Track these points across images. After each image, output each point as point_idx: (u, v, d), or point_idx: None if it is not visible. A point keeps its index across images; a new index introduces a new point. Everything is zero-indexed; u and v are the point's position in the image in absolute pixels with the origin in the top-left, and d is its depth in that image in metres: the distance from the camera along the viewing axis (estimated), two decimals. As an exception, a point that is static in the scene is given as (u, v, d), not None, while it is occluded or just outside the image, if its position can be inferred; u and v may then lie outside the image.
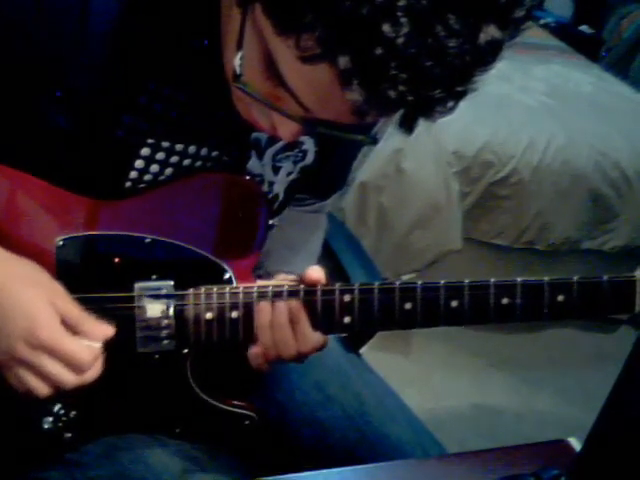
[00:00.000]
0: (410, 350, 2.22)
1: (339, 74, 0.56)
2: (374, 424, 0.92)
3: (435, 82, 0.56)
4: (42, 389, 0.70)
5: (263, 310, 0.78)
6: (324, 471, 0.80)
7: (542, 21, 4.08)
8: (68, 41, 0.69)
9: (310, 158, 0.88)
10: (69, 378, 0.70)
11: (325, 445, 0.91)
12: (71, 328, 0.71)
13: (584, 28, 4.24)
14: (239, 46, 0.63)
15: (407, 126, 0.62)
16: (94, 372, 0.72)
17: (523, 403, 2.15)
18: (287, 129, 0.68)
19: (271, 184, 0.87)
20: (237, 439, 0.85)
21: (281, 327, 0.78)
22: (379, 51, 0.54)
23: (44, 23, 0.68)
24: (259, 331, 0.78)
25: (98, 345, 0.72)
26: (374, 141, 0.74)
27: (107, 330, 0.73)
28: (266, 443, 0.90)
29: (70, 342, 0.70)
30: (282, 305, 0.77)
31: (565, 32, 3.92)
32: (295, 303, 0.77)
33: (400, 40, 0.53)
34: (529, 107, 2.40)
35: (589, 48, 3.70)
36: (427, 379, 2.14)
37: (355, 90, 0.56)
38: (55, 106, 0.72)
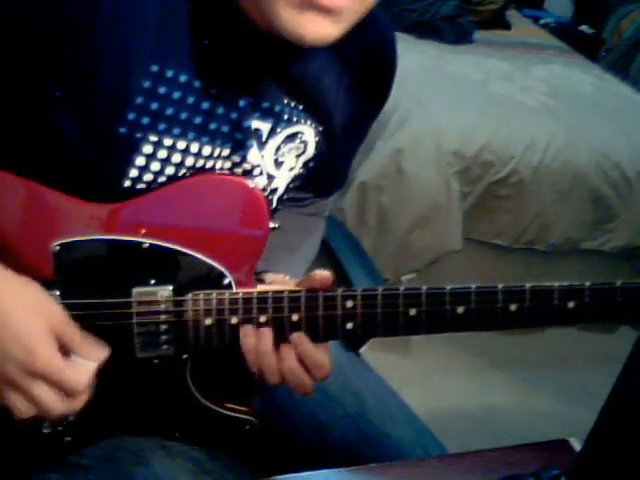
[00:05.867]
0: (410, 350, 2.22)
1: None
2: (374, 424, 0.92)
3: None
4: (27, 411, 0.69)
5: (268, 356, 0.76)
6: (324, 471, 0.80)
7: (542, 21, 4.09)
8: (78, 42, 0.69)
9: (311, 151, 0.88)
10: (58, 405, 0.69)
11: (325, 445, 0.91)
12: (68, 351, 0.70)
13: (584, 28, 4.25)
14: None
15: None
16: (84, 398, 0.71)
17: (523, 403, 2.15)
18: None
19: (270, 177, 0.86)
20: (237, 443, 0.85)
21: (293, 370, 0.77)
22: None
23: (56, 25, 0.68)
24: (268, 377, 0.78)
25: (94, 367, 0.71)
26: None
27: (104, 352, 0.72)
28: (266, 443, 0.89)
29: (66, 370, 0.69)
30: (289, 351, 0.76)
31: (565, 32, 3.93)
32: (299, 335, 0.76)
33: None
34: (529, 107, 2.40)
35: (589, 48, 3.70)
36: (427, 379, 2.14)
37: None
38: (57, 106, 0.71)
